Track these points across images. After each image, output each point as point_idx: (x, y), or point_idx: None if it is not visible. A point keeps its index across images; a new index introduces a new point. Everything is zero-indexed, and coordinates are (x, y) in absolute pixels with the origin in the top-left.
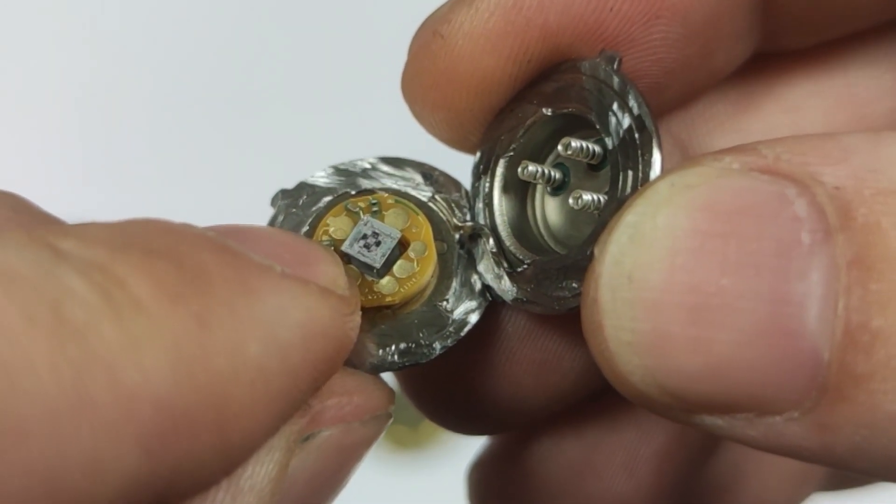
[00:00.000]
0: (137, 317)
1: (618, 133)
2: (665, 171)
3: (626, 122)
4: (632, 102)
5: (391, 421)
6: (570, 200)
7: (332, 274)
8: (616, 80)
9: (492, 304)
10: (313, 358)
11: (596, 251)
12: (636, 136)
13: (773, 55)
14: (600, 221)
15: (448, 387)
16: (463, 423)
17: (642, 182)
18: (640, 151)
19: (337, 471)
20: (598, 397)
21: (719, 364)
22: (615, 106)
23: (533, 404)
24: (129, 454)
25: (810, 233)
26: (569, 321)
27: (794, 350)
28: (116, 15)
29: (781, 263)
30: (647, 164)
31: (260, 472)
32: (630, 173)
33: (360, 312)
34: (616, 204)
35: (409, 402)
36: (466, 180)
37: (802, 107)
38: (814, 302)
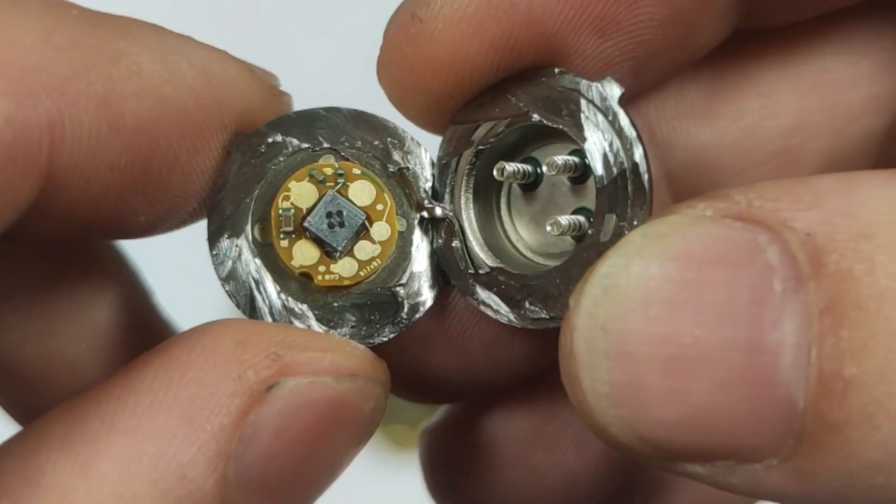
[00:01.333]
0: None
1: (610, 174)
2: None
3: (623, 166)
4: (636, 152)
5: (382, 393)
6: (549, 228)
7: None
8: (623, 119)
9: (440, 291)
10: None
11: (571, 302)
12: (629, 183)
13: (749, 36)
14: (574, 257)
15: (398, 355)
16: (413, 392)
17: (627, 231)
18: (629, 201)
19: (311, 432)
20: (552, 371)
21: (696, 414)
22: (613, 144)
23: (484, 378)
24: None
25: (782, 280)
26: None
27: (770, 399)
28: None
29: (755, 312)
30: (634, 217)
31: (215, 418)
32: (614, 218)
33: None
34: (594, 249)
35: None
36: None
37: (775, 91)
38: (788, 350)
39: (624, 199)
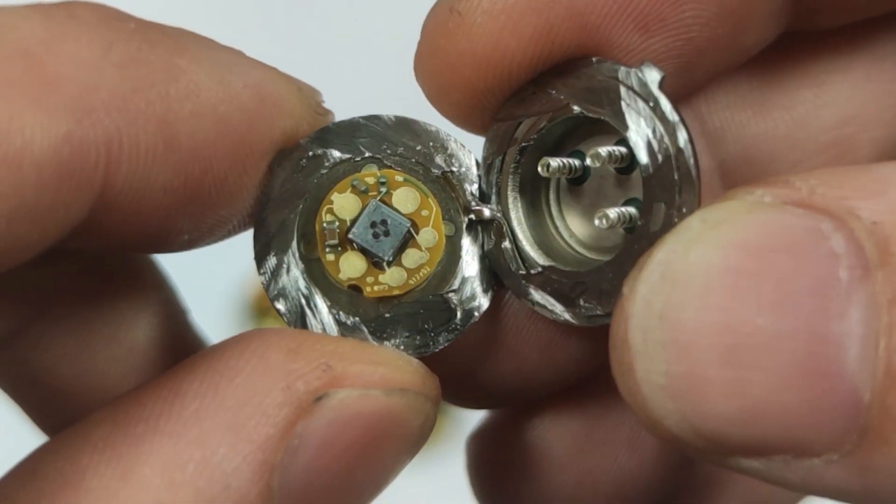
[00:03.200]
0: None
1: (656, 162)
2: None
3: (668, 152)
4: (680, 136)
5: (432, 409)
6: (597, 221)
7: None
8: (665, 104)
9: (495, 296)
10: None
11: (625, 290)
12: (675, 170)
13: (801, 34)
14: (626, 250)
15: (451, 359)
16: (465, 398)
17: (677, 219)
18: (677, 188)
19: (358, 445)
20: (601, 373)
21: (756, 407)
22: (656, 130)
23: (537, 381)
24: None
25: (848, 269)
26: None
27: (833, 391)
28: None
29: (819, 302)
30: (683, 204)
31: (262, 427)
32: (663, 206)
33: None
34: (646, 240)
35: None
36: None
37: (827, 81)
38: (853, 342)
39: (671, 186)
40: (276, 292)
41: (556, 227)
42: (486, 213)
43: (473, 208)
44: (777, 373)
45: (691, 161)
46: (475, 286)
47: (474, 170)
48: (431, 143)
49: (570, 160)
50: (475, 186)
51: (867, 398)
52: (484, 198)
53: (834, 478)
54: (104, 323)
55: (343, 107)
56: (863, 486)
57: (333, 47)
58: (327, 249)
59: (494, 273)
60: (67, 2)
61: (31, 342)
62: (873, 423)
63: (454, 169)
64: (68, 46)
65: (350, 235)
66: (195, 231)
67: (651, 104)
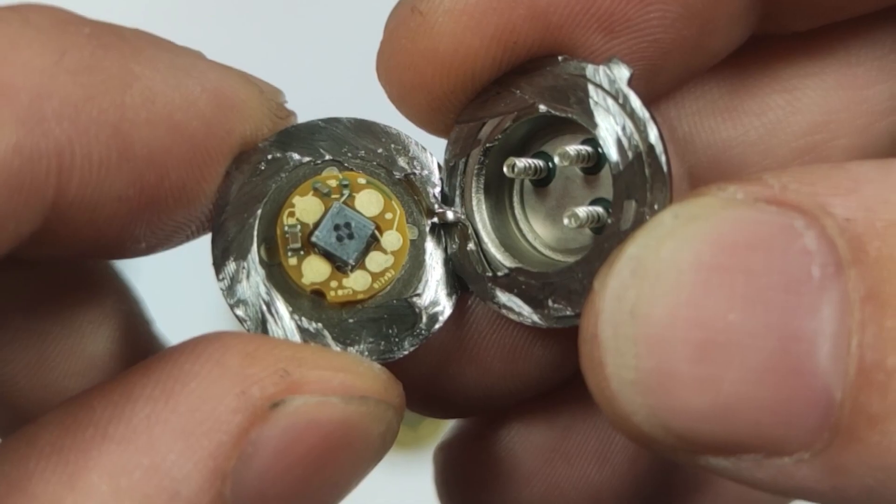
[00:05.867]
0: None
1: (626, 159)
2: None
3: (639, 149)
4: (651, 133)
5: (395, 417)
6: (566, 220)
7: None
8: (634, 101)
9: (459, 299)
10: None
11: (596, 285)
12: (646, 167)
13: (773, 38)
14: (595, 250)
15: (415, 366)
16: (429, 406)
17: (648, 216)
18: (648, 185)
19: (314, 454)
20: (571, 383)
21: (727, 403)
22: (626, 128)
23: (502, 389)
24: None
25: (821, 267)
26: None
27: (805, 389)
28: None
29: (791, 299)
30: (655, 201)
31: (214, 434)
32: (633, 204)
33: None
34: (616, 238)
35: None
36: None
37: (799, 87)
38: (826, 339)
39: (642, 183)
40: (235, 299)
41: (520, 230)
42: (450, 215)
43: (437, 211)
44: (748, 369)
45: (662, 158)
46: (439, 290)
47: (437, 173)
48: (393, 146)
49: (536, 161)
50: (438, 189)
51: (839, 396)
52: (447, 200)
53: (804, 477)
54: (63, 335)
55: (304, 107)
56: (832, 485)
57: (296, 47)
58: (289, 253)
59: (459, 277)
60: (22, 5)
61: None
62: (845, 422)
63: (416, 171)
64: (21, 54)
65: (313, 239)
66: (152, 238)
67: (620, 101)
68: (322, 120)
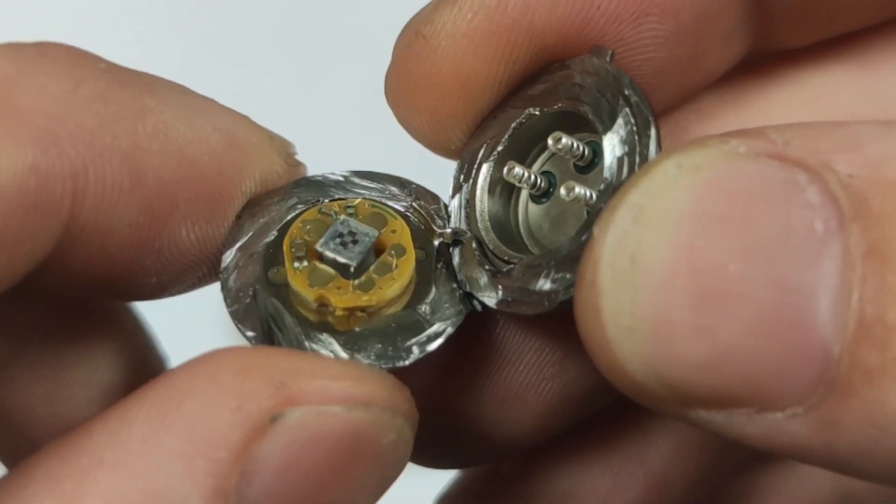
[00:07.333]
0: None
1: (612, 120)
2: (667, 150)
3: (623, 109)
4: (628, 91)
5: (405, 424)
6: (562, 191)
7: None
8: (610, 70)
9: (470, 316)
10: None
11: (595, 231)
12: (633, 124)
13: (768, 56)
14: (594, 210)
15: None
16: (429, 456)
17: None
18: (637, 139)
19: (322, 467)
20: (574, 430)
21: (722, 354)
22: (609, 95)
23: (503, 436)
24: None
25: (823, 221)
26: (543, 337)
27: (803, 342)
28: None
29: (792, 252)
30: (645, 153)
31: (211, 452)
32: (626, 162)
33: None
34: (612, 190)
35: None
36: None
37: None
38: (826, 293)
39: (631, 138)
40: (241, 316)
41: (520, 232)
42: (454, 233)
43: (440, 231)
44: (746, 320)
45: (645, 107)
46: (447, 307)
47: (443, 209)
48: (400, 186)
49: (534, 172)
50: (443, 219)
51: (837, 350)
52: (453, 221)
53: (796, 433)
54: (78, 367)
55: (313, 164)
56: (824, 442)
57: (304, 103)
58: (295, 264)
59: (468, 294)
60: (39, 42)
61: (6, 382)
62: (842, 377)
63: (422, 203)
64: (37, 80)
65: (317, 246)
66: (163, 273)
67: (600, 75)
68: (330, 173)
